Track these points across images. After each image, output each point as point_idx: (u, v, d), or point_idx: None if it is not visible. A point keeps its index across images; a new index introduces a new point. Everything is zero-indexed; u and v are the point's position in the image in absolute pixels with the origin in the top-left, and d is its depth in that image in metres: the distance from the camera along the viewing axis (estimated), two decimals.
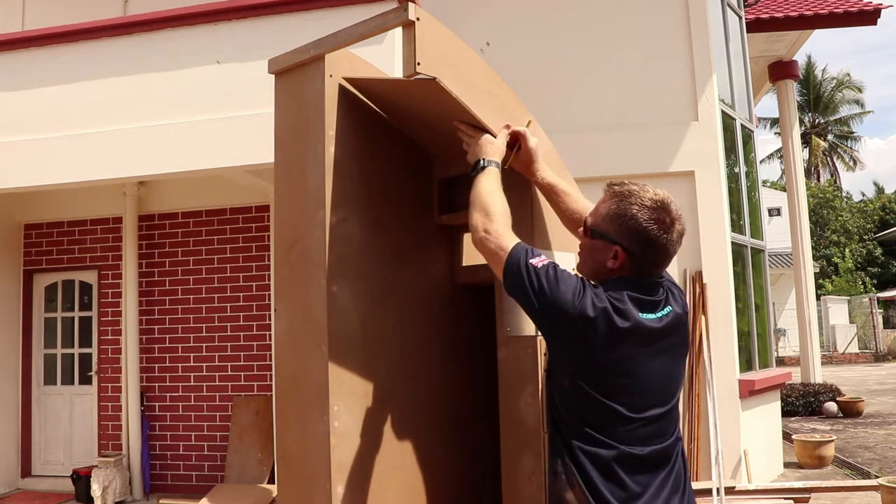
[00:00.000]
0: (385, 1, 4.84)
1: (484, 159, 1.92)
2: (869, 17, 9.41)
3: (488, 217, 1.80)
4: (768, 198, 23.09)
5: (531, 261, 1.69)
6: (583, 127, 6.39)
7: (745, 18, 8.23)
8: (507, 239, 1.76)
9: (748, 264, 7.05)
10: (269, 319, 6.70)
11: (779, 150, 32.33)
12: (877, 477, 6.21)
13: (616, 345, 1.64)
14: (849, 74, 35.01)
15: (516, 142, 2.04)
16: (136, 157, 5.37)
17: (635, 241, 1.71)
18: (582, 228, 1.83)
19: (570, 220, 2.06)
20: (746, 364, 6.73)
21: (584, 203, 2.04)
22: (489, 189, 1.86)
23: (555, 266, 1.69)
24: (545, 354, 1.90)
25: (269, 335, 6.75)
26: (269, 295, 6.76)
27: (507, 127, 2.03)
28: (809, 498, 5.33)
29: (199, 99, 5.28)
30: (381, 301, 2.14)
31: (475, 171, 1.91)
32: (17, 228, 7.66)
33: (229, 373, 6.95)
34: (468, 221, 1.86)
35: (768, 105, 37.45)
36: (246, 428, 6.73)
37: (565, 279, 1.67)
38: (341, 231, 2.06)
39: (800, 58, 11.01)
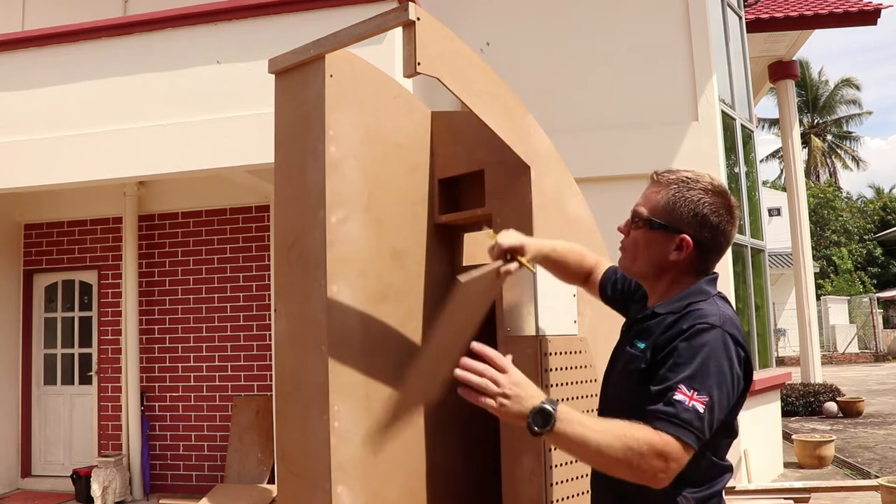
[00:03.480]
0: (385, 1, 4.84)
1: (539, 408, 1.38)
2: (869, 17, 9.42)
3: (641, 456, 1.39)
4: (768, 198, 23.08)
5: (697, 408, 1.43)
6: (583, 127, 6.39)
7: (745, 18, 8.23)
8: (661, 443, 1.40)
9: (748, 264, 7.05)
10: (269, 319, 6.70)
11: (779, 151, 32.36)
12: (877, 477, 6.21)
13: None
14: (848, 79, 35.02)
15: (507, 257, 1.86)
16: (136, 157, 5.37)
17: (704, 229, 1.62)
18: (630, 222, 1.69)
19: (581, 278, 2.00)
20: None
21: (586, 253, 2.00)
22: (597, 433, 1.40)
23: (710, 398, 1.45)
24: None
25: (269, 335, 6.75)
26: (269, 295, 6.75)
27: (498, 255, 1.83)
28: (809, 498, 5.33)
29: (199, 99, 5.28)
30: (381, 301, 2.14)
31: (546, 428, 1.38)
32: (17, 228, 7.66)
33: (229, 373, 6.95)
34: (631, 474, 1.42)
35: (768, 105, 37.49)
36: (246, 428, 6.73)
37: (722, 387, 1.47)
38: (341, 231, 2.06)
39: (798, 59, 11.00)
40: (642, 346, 1.60)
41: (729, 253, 6.32)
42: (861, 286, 28.42)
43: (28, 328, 7.58)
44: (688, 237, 1.62)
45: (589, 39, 6.65)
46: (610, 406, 1.68)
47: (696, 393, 1.43)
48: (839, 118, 35.68)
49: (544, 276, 2.09)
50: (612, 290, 1.95)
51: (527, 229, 2.11)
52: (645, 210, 1.66)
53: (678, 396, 1.42)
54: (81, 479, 6.63)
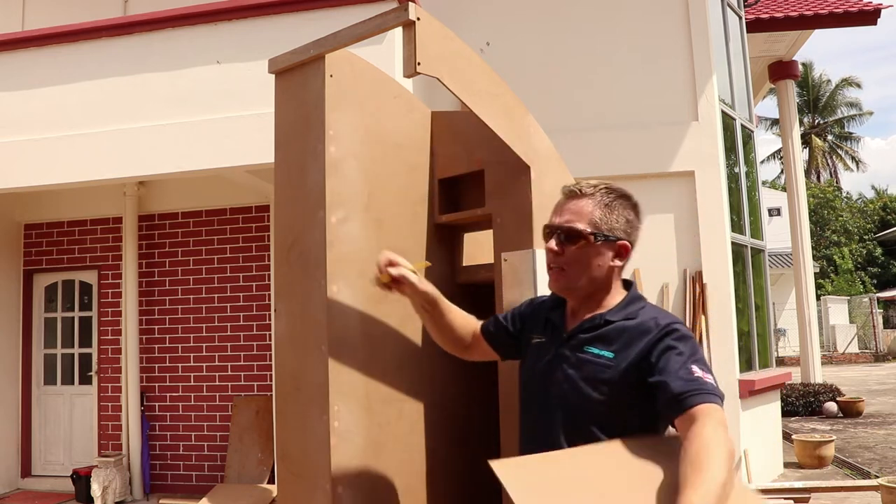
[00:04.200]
0: (385, 1, 4.84)
1: None
2: (869, 17, 9.42)
3: (728, 442, 1.39)
4: (768, 198, 23.08)
5: (712, 380, 1.52)
6: (583, 127, 6.39)
7: (745, 18, 8.23)
8: (717, 414, 1.44)
9: (748, 264, 7.05)
10: (269, 319, 6.70)
11: (779, 151, 32.36)
12: (877, 477, 6.21)
13: None
14: (848, 79, 35.02)
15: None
16: (136, 157, 5.37)
17: (632, 232, 1.72)
18: (565, 239, 1.68)
19: (452, 336, 1.97)
20: (746, 364, 6.73)
21: (466, 316, 1.99)
22: (717, 469, 1.32)
23: (713, 376, 1.55)
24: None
25: (269, 335, 6.75)
26: (269, 295, 6.75)
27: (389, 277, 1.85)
28: (809, 498, 5.33)
29: (199, 99, 5.28)
30: (381, 301, 2.14)
31: None
32: (17, 228, 7.66)
33: (229, 373, 6.95)
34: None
35: (768, 105, 37.47)
36: (246, 428, 6.73)
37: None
38: (341, 231, 2.06)
39: (799, 59, 11.00)
40: (609, 354, 1.63)
41: (729, 253, 6.32)
42: (861, 286, 28.42)
43: (28, 328, 7.58)
44: (626, 243, 1.70)
45: (589, 39, 6.65)
46: (554, 411, 1.68)
47: (705, 372, 1.53)
48: (840, 118, 35.68)
49: (545, 276, 2.09)
50: (513, 327, 1.92)
51: (527, 229, 2.11)
52: (581, 224, 1.68)
53: (697, 374, 1.51)
54: (81, 479, 6.63)
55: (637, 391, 1.59)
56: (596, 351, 1.65)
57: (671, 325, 1.61)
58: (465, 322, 1.99)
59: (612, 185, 1.73)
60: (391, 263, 1.84)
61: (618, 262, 1.70)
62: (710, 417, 1.42)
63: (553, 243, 1.70)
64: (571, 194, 1.72)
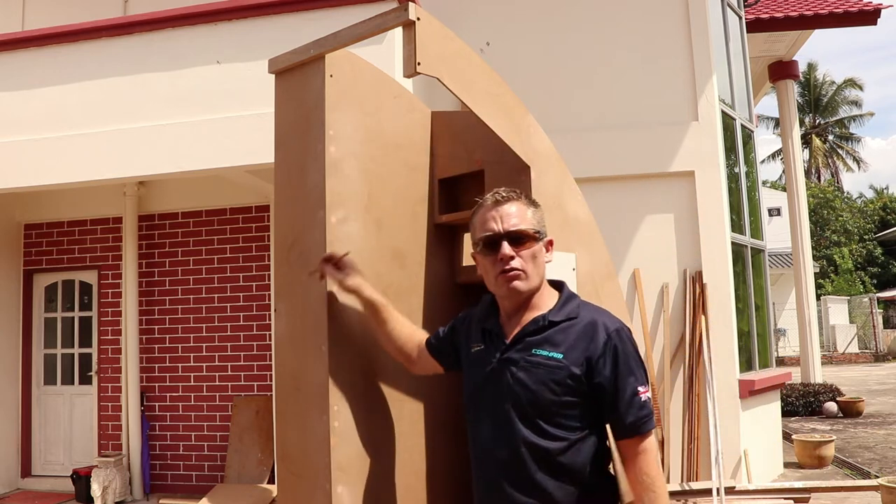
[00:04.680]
0: (385, 1, 4.84)
1: None
2: (869, 17, 9.41)
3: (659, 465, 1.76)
4: (768, 198, 23.08)
5: (649, 397, 1.75)
6: (583, 127, 6.39)
7: (745, 18, 8.22)
8: (653, 443, 1.74)
9: (748, 264, 7.05)
10: (269, 319, 6.70)
11: (779, 151, 32.36)
12: (877, 477, 6.21)
13: None
14: (851, 79, 35.02)
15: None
16: (136, 157, 5.37)
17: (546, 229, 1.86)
18: (517, 243, 1.76)
19: (395, 345, 2.03)
20: (746, 364, 6.73)
21: (414, 330, 2.05)
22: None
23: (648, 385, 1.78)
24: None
25: (269, 335, 6.75)
26: (269, 295, 6.76)
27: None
28: (809, 498, 5.33)
29: (199, 99, 5.28)
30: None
31: None
32: (17, 228, 7.66)
33: (229, 373, 6.95)
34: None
35: (768, 105, 37.48)
36: (246, 428, 6.73)
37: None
38: (341, 231, 2.06)
39: (801, 61, 11.00)
40: (559, 356, 1.72)
41: (729, 253, 6.32)
42: (861, 286, 28.41)
43: (28, 328, 7.57)
44: (552, 238, 1.84)
45: (589, 39, 6.65)
46: (507, 415, 1.74)
47: (644, 387, 1.73)
48: (841, 119, 35.67)
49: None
50: (451, 339, 1.99)
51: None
52: (526, 226, 1.78)
53: (643, 398, 1.72)
54: (81, 479, 6.63)
55: (585, 389, 1.71)
56: (545, 353, 1.73)
57: (618, 330, 1.74)
58: (411, 334, 2.04)
59: (516, 190, 1.86)
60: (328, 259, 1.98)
61: (549, 259, 1.82)
62: (651, 453, 1.70)
63: (507, 248, 1.75)
64: (501, 200, 1.80)
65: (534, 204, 1.84)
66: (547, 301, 1.80)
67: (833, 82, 35.22)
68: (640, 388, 1.71)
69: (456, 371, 2.00)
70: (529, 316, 1.79)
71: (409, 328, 2.04)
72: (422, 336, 2.04)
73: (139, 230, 7.17)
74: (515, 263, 1.75)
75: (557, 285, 1.86)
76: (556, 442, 1.71)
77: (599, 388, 1.70)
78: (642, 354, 1.86)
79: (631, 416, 1.69)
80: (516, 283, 1.76)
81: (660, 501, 1.68)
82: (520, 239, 1.76)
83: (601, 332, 1.72)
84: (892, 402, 11.98)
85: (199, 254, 7.15)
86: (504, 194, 1.81)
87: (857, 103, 35.39)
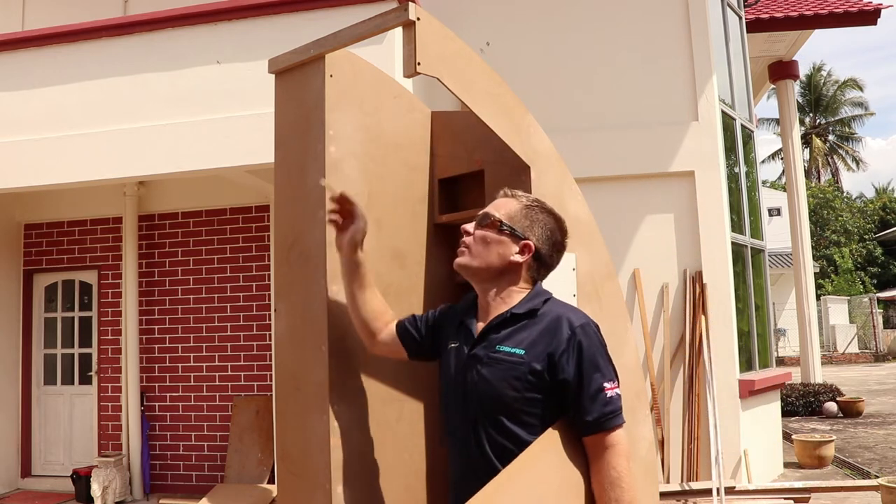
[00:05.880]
0: (385, 1, 4.84)
1: None
2: (869, 17, 9.41)
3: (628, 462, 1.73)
4: (768, 198, 23.09)
5: (617, 393, 1.73)
6: (583, 127, 6.39)
7: (745, 18, 8.22)
8: (624, 438, 1.72)
9: (748, 264, 7.05)
10: (269, 319, 6.70)
11: (779, 151, 32.36)
12: (877, 477, 6.21)
13: None
14: (853, 79, 35.01)
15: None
16: (136, 157, 5.37)
17: (547, 243, 1.83)
18: (478, 222, 1.83)
19: (362, 315, 1.99)
20: (746, 364, 6.73)
21: (385, 306, 2.03)
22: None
23: (616, 381, 1.76)
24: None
25: (269, 335, 6.75)
26: (269, 295, 6.75)
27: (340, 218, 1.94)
28: (809, 498, 5.33)
29: (199, 99, 5.28)
30: None
31: None
32: (17, 228, 7.66)
33: (229, 373, 6.95)
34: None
35: (768, 105, 37.48)
36: (246, 428, 6.73)
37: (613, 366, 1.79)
38: None
39: (803, 60, 11.00)
40: (521, 351, 1.72)
41: (729, 253, 6.32)
42: (861, 286, 28.40)
43: (28, 328, 7.57)
44: (531, 243, 1.80)
45: (589, 39, 6.65)
46: (473, 411, 1.76)
47: (612, 383, 1.72)
48: (842, 119, 35.66)
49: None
50: (426, 330, 1.98)
51: None
52: (497, 213, 1.82)
53: (610, 394, 1.70)
54: (81, 479, 6.63)
55: (548, 385, 1.71)
56: (508, 349, 1.74)
57: (584, 325, 1.74)
58: (383, 312, 2.02)
59: (545, 203, 1.87)
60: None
61: (519, 258, 1.80)
62: (619, 448, 1.68)
63: (468, 224, 1.85)
64: (504, 195, 1.87)
65: (530, 208, 1.83)
66: (519, 298, 1.82)
67: (837, 81, 35.23)
68: (607, 385, 1.70)
69: (418, 360, 2.02)
70: (497, 312, 1.81)
71: (381, 304, 2.02)
72: (392, 317, 2.03)
73: (139, 230, 7.16)
74: (466, 239, 1.84)
75: (540, 290, 1.87)
76: (520, 440, 1.70)
77: (564, 384, 1.69)
78: (642, 355, 1.86)
79: (595, 413, 1.68)
80: (458, 259, 1.84)
81: (625, 498, 1.64)
82: (481, 221, 1.83)
83: (565, 328, 1.72)
84: (892, 402, 11.98)
85: (199, 254, 7.15)
86: (509, 191, 1.88)
87: (861, 104, 35.40)
